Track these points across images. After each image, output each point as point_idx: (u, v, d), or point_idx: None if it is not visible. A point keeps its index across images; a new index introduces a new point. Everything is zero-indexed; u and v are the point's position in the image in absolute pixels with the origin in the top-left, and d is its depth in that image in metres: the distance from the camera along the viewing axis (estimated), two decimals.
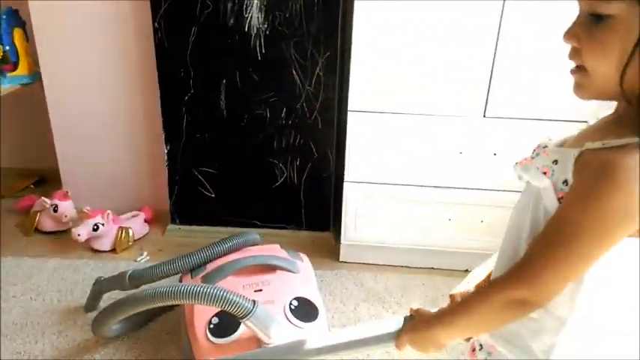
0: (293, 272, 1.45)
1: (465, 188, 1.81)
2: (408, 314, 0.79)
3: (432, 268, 1.95)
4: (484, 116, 1.70)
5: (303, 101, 1.93)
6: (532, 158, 0.68)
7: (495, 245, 1.88)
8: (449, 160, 1.77)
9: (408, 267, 1.95)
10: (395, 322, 0.78)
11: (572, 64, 0.64)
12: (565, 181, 0.60)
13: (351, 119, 1.75)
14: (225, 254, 1.51)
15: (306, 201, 2.09)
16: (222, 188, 2.08)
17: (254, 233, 1.61)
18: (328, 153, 2.00)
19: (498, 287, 0.63)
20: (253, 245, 1.58)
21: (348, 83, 1.71)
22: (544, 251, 0.59)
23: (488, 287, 0.65)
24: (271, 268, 1.44)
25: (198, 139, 2.01)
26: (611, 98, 0.63)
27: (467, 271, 1.94)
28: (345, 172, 1.82)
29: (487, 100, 1.68)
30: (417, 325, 0.74)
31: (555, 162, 0.62)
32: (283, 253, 1.53)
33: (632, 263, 0.60)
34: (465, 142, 1.75)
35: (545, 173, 0.62)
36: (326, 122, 1.95)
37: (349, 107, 1.73)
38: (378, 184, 1.83)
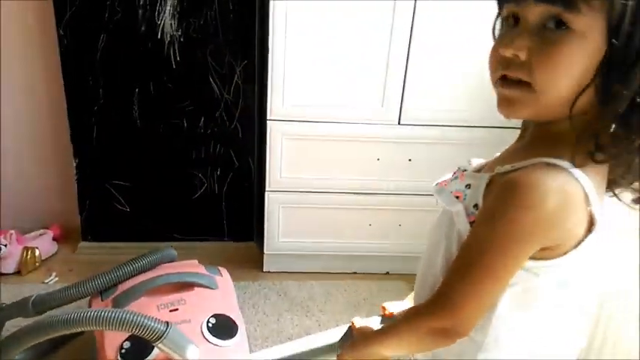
0: (211, 288, 1.40)
1: (383, 194, 1.85)
2: (349, 325, 0.80)
3: (355, 272, 1.98)
4: (399, 123, 1.75)
5: (222, 110, 1.89)
6: (451, 181, 0.68)
7: (413, 248, 1.95)
8: (367, 167, 1.81)
9: (330, 273, 1.96)
10: (339, 334, 0.80)
11: (498, 76, 0.58)
12: (475, 205, 0.60)
13: (271, 128, 1.73)
14: (138, 273, 1.43)
15: (228, 211, 2.04)
16: (137, 202, 1.99)
17: (170, 249, 1.54)
18: (249, 162, 1.97)
19: (421, 315, 0.62)
20: (170, 262, 1.51)
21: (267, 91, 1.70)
22: (459, 276, 0.58)
23: (413, 314, 0.64)
24: (188, 286, 1.39)
25: (109, 150, 1.91)
26: (543, 119, 0.59)
27: (387, 273, 1.99)
28: (266, 182, 1.81)
29: (401, 107, 1.72)
30: (356, 341, 0.74)
31: (468, 186, 0.62)
32: (201, 269, 1.48)
33: (542, 289, 0.60)
34: (381, 149, 1.79)
35: (457, 197, 0.62)
36: (246, 131, 1.92)
37: (268, 116, 1.72)
38: (299, 192, 1.83)
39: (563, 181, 0.54)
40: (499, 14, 0.60)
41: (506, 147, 0.70)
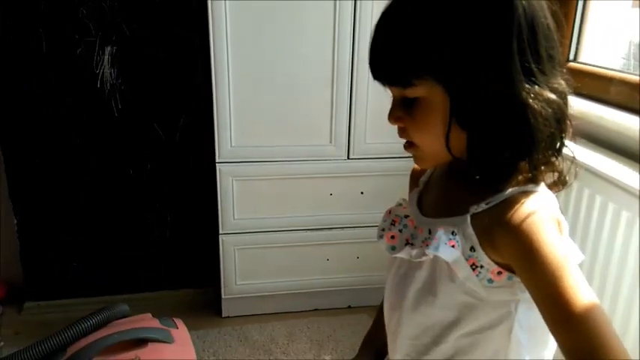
0: (167, 342, 1.35)
1: (338, 227, 1.86)
2: None
3: (316, 309, 1.96)
4: (348, 158, 1.77)
5: (169, 155, 1.86)
6: (400, 231, 0.69)
7: (373, 280, 1.95)
8: (321, 202, 1.82)
9: (292, 312, 1.93)
10: None
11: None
12: (472, 248, 0.61)
13: (220, 170, 1.72)
14: (88, 333, 1.36)
15: (183, 258, 1.99)
16: (86, 255, 1.91)
17: (122, 304, 1.48)
18: (201, 206, 1.93)
19: None
20: (122, 318, 1.45)
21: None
22: (578, 323, 0.53)
23: None
24: (142, 342, 1.33)
25: (53, 205, 1.83)
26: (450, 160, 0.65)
27: (349, 307, 1.98)
28: (219, 224, 1.78)
29: (349, 142, 1.75)
30: None
31: (453, 233, 0.62)
32: (155, 322, 1.42)
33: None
34: (333, 184, 1.80)
35: (453, 246, 0.61)
36: (196, 174, 1.90)
37: (217, 159, 1.70)
38: (254, 232, 1.81)
39: (547, 201, 0.61)
40: None
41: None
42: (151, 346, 1.33)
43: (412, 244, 0.67)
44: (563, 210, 1.10)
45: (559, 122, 0.59)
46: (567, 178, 0.65)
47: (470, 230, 0.61)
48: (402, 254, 0.67)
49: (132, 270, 1.96)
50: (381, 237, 0.70)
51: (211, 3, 1.53)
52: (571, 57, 1.40)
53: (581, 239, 1.10)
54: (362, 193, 1.82)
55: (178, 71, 1.78)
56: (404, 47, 0.59)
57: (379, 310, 0.84)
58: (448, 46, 0.57)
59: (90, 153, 1.80)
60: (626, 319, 1.00)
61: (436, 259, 0.64)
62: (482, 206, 0.61)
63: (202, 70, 1.74)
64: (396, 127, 0.66)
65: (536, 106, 0.57)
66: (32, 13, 1.64)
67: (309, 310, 1.95)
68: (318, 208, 1.82)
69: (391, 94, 0.65)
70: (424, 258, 0.64)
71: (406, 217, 0.70)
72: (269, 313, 1.92)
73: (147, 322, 1.44)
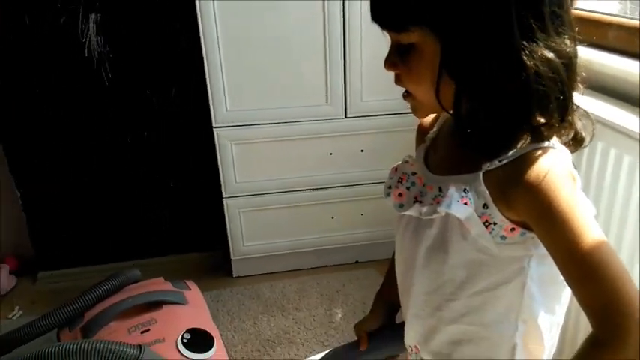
0: (181, 304, 1.40)
1: (340, 186, 1.88)
2: None
3: (325, 265, 2.01)
4: (346, 117, 1.77)
5: (165, 122, 1.86)
6: (407, 189, 0.68)
7: (378, 234, 1.97)
8: (321, 162, 1.83)
9: (301, 269, 1.98)
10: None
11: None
12: (485, 205, 0.60)
13: (218, 135, 1.72)
14: (103, 298, 1.41)
15: (189, 222, 2.03)
16: (93, 224, 1.95)
17: (134, 269, 1.52)
18: (202, 171, 1.95)
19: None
20: (134, 282, 1.49)
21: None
22: (601, 282, 0.54)
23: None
24: (157, 304, 1.38)
25: (54, 177, 1.85)
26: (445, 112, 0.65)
27: (357, 262, 2.03)
28: (222, 188, 1.80)
29: (346, 101, 1.75)
30: None
31: (465, 190, 0.61)
32: (167, 285, 1.47)
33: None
34: (332, 144, 1.81)
35: (465, 204, 0.61)
36: (195, 139, 1.90)
37: (213, 123, 1.71)
38: (256, 195, 1.83)
39: (561, 156, 0.60)
40: None
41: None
42: (165, 308, 1.38)
43: (421, 202, 0.66)
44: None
45: (557, 84, 0.57)
46: (583, 136, 0.64)
47: (482, 188, 0.60)
48: (412, 212, 0.66)
49: (140, 236, 2.00)
50: (388, 195, 0.70)
51: None
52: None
53: (584, 186, 1.12)
54: (362, 151, 1.83)
55: (167, 36, 1.75)
56: None
57: (390, 266, 0.85)
58: None
59: (85, 123, 1.80)
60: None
61: (447, 217, 0.63)
62: (496, 163, 0.60)
63: (192, 33, 1.71)
64: (392, 76, 0.65)
65: (529, 62, 0.55)
66: None
67: (318, 267, 2.00)
68: (319, 168, 1.83)
69: (389, 40, 0.64)
70: (435, 216, 0.64)
71: (414, 174, 0.69)
72: (279, 272, 1.97)
73: (160, 285, 1.48)
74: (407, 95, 0.66)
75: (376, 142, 1.82)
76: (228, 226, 1.85)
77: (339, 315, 1.74)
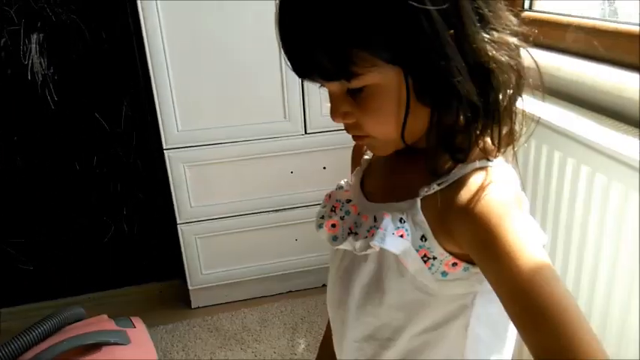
0: (122, 344, 1.28)
1: (304, 206, 1.78)
2: None
3: (290, 291, 1.90)
4: (305, 133, 1.69)
5: (115, 146, 1.75)
6: (341, 218, 0.60)
7: None
8: (281, 181, 1.74)
9: (265, 297, 1.87)
10: None
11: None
12: (423, 237, 0.53)
13: (169, 157, 1.62)
14: (40, 341, 1.28)
15: (144, 251, 1.91)
16: (41, 258, 1.82)
17: (76, 307, 1.39)
18: (157, 194, 1.84)
19: None
20: (76, 321, 1.37)
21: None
22: (554, 323, 0.45)
23: None
24: (96, 346, 1.26)
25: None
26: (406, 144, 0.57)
27: (324, 286, 1.92)
28: (176, 214, 1.69)
29: (304, 117, 1.66)
30: None
31: (401, 220, 0.54)
32: (110, 324, 1.35)
33: None
34: (293, 161, 1.72)
35: (401, 236, 0.54)
36: (146, 163, 1.80)
37: (164, 145, 1.61)
38: (214, 219, 1.73)
39: (506, 177, 0.54)
40: None
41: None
42: (105, 349, 1.26)
43: (356, 234, 0.58)
44: (522, 171, 1.04)
45: (517, 71, 0.52)
46: (517, 133, 0.56)
47: (420, 217, 0.53)
48: (345, 246, 0.59)
49: (92, 269, 1.88)
50: (320, 226, 0.62)
51: None
52: (526, 6, 1.32)
53: (543, 199, 1.04)
54: (324, 168, 1.74)
55: (114, 56, 1.66)
56: (337, 29, 0.48)
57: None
58: (390, 12, 0.47)
59: (30, 150, 1.69)
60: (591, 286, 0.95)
61: (383, 251, 0.55)
62: (434, 187, 0.53)
63: (139, 51, 1.62)
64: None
65: (499, 56, 0.50)
66: None
67: (282, 293, 1.89)
68: (279, 187, 1.74)
69: (326, 90, 0.55)
70: (369, 251, 0.56)
71: (348, 201, 0.62)
72: (240, 300, 1.85)
73: (101, 324, 1.36)
74: (362, 137, 0.56)
75: (339, 158, 1.73)
76: (184, 254, 1.74)
77: (302, 346, 1.63)
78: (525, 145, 0.58)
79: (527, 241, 0.47)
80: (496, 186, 0.51)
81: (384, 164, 0.63)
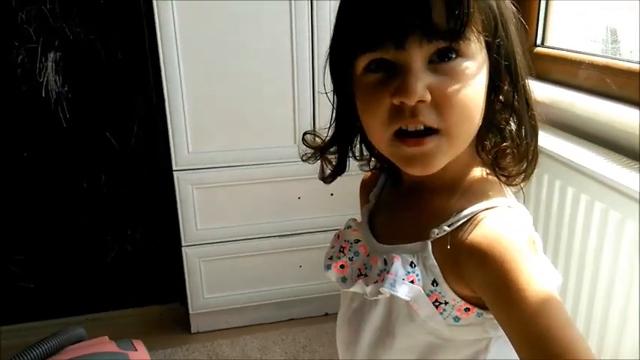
0: None
1: (309, 232, 1.77)
2: None
3: (291, 319, 1.87)
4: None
5: (124, 165, 1.75)
6: (350, 259, 0.59)
7: None
8: (289, 207, 1.73)
9: (265, 324, 1.84)
10: None
11: (392, 132, 0.50)
12: (434, 282, 0.52)
13: (178, 178, 1.62)
14: None
15: (147, 273, 1.89)
16: (43, 276, 1.80)
17: (77, 327, 1.37)
18: (163, 217, 1.83)
19: None
20: (77, 342, 1.35)
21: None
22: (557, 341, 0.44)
23: None
24: None
25: (3, 224, 1.72)
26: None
27: (326, 314, 1.89)
28: (182, 236, 1.68)
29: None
30: None
31: (412, 264, 0.52)
32: (111, 346, 1.32)
33: None
34: (301, 187, 1.72)
35: (412, 281, 0.52)
36: (155, 184, 1.80)
37: (174, 166, 1.61)
38: (219, 242, 1.71)
39: (518, 216, 0.52)
40: (343, 62, 0.55)
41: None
42: None
43: (366, 275, 0.57)
44: (535, 206, 1.04)
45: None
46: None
47: (432, 260, 0.51)
48: (355, 289, 0.57)
49: (93, 289, 1.85)
50: (328, 267, 0.60)
51: (156, 2, 1.44)
52: (538, 42, 1.34)
53: (555, 234, 1.03)
54: (332, 194, 1.74)
55: (128, 75, 1.67)
56: None
57: None
58: None
59: (39, 166, 1.69)
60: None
61: (393, 295, 0.53)
62: (445, 229, 0.51)
63: (153, 73, 1.64)
64: None
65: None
66: None
67: (283, 321, 1.86)
68: (286, 213, 1.73)
69: (365, 71, 0.50)
70: (380, 296, 0.54)
71: (357, 241, 0.61)
72: (241, 326, 1.82)
73: (102, 346, 1.33)
74: (429, 134, 0.49)
75: (347, 184, 1.70)
76: (187, 277, 1.72)
77: None
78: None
79: (541, 286, 0.46)
80: (509, 227, 0.49)
81: (392, 202, 0.62)
